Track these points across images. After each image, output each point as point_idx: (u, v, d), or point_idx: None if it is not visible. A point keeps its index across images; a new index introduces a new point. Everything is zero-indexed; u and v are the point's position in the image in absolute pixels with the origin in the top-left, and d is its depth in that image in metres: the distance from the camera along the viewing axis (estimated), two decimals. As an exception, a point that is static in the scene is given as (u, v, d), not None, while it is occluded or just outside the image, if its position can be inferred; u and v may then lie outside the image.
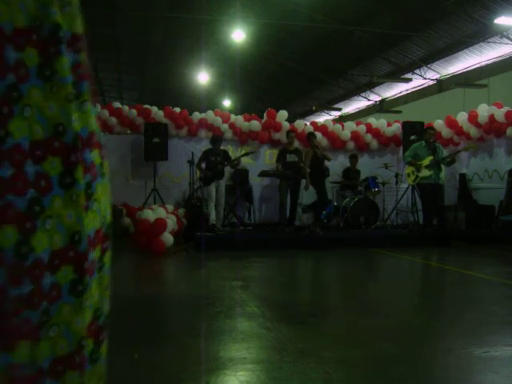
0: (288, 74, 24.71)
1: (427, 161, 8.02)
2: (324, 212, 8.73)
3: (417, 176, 8.18)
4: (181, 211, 8.60)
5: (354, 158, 9.69)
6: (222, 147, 8.39)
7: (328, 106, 28.42)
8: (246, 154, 8.51)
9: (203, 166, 8.08)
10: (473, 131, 9.49)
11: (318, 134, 9.50)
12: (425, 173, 8.03)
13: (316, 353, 2.72)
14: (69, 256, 1.38)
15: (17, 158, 1.30)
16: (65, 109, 1.37)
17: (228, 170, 8.67)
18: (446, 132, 9.98)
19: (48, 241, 1.35)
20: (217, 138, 8.40)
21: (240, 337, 3.04)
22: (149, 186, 9.35)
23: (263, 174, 8.99)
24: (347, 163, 9.82)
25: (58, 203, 1.37)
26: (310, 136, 8.68)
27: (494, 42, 17.08)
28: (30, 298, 1.32)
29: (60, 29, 1.36)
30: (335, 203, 9.53)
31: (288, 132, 9.00)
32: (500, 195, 8.71)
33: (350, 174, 9.63)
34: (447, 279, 5.56)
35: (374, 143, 10.26)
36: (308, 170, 8.25)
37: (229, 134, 9.56)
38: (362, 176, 9.56)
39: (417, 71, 20.99)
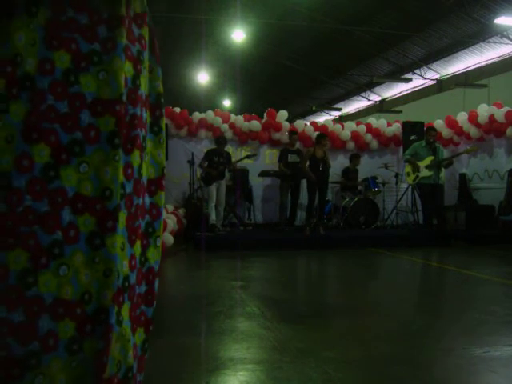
0: (288, 74, 24.72)
1: (428, 161, 8.01)
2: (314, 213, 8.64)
3: (417, 176, 8.18)
4: (181, 211, 8.60)
5: (355, 158, 9.67)
6: (224, 148, 8.38)
7: (328, 105, 28.44)
8: (247, 157, 8.49)
9: (205, 165, 8.07)
10: (473, 131, 9.49)
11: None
12: (425, 173, 8.03)
13: (316, 353, 2.72)
14: (162, 184, 1.80)
15: (142, 191, 1.70)
16: (163, 154, 1.85)
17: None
18: (446, 132, 9.98)
19: (146, 171, 1.72)
20: (222, 139, 8.33)
21: (240, 337, 3.04)
22: (149, 186, 9.33)
23: (263, 174, 8.99)
24: (347, 163, 9.82)
25: (150, 144, 1.76)
26: (318, 137, 8.27)
27: (494, 42, 17.09)
28: (142, 209, 1.66)
29: (161, 96, 1.81)
30: (333, 202, 9.54)
31: (291, 133, 8.97)
32: (500, 195, 8.71)
33: (349, 173, 9.62)
34: (447, 279, 5.56)
35: (374, 143, 10.25)
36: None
37: (229, 134, 9.55)
38: (362, 176, 9.56)
39: (417, 71, 21.00)
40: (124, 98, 1.52)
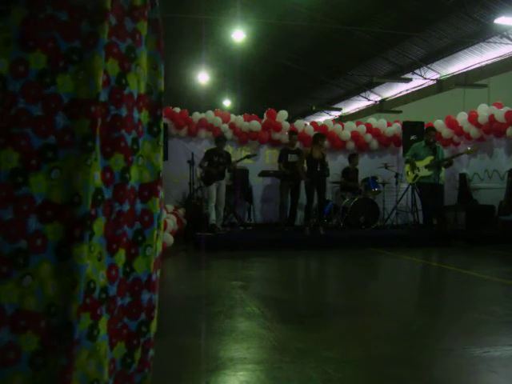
0: (288, 74, 24.72)
1: (427, 161, 8.01)
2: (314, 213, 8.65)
3: (416, 175, 8.19)
4: (181, 211, 8.59)
5: (353, 158, 9.68)
6: (224, 148, 8.38)
7: (328, 105, 28.45)
8: (247, 157, 8.48)
9: (205, 165, 8.07)
10: (473, 131, 9.49)
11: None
12: (424, 172, 8.03)
13: (316, 353, 2.72)
14: (157, 189, 1.68)
15: (131, 197, 1.61)
16: (160, 157, 1.72)
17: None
18: (446, 132, 9.98)
19: (138, 175, 1.64)
20: (222, 138, 8.34)
21: (240, 337, 3.04)
22: (149, 186, 9.33)
23: (263, 174, 8.99)
24: (347, 163, 9.82)
25: (147, 146, 1.67)
26: (315, 136, 8.27)
27: (494, 42, 17.09)
28: (129, 216, 1.59)
29: (162, 96, 1.72)
30: (333, 202, 9.54)
31: (291, 133, 8.97)
32: (500, 195, 8.71)
33: (349, 173, 9.63)
34: (447, 279, 5.56)
35: (374, 143, 10.25)
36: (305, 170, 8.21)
37: (229, 134, 9.55)
38: (362, 176, 9.56)
39: (417, 71, 21.00)
40: (102, 99, 1.45)
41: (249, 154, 8.85)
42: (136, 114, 1.61)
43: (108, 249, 1.52)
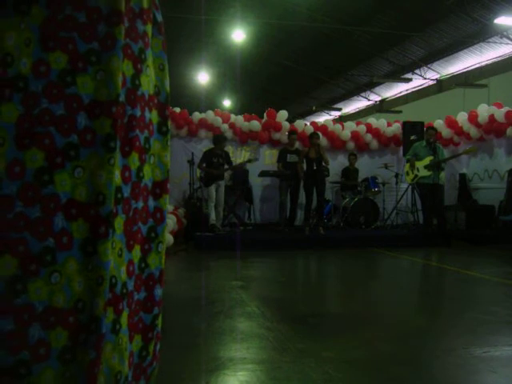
0: (288, 74, 24.73)
1: (427, 160, 8.01)
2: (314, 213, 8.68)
3: (416, 175, 8.19)
4: (181, 211, 8.59)
5: (351, 157, 9.71)
6: (223, 148, 8.35)
7: (328, 105, 28.45)
8: (248, 161, 8.47)
9: (204, 166, 8.05)
10: (473, 131, 9.49)
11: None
12: (424, 172, 8.03)
13: (316, 353, 2.72)
14: (167, 187, 1.72)
15: (144, 194, 1.66)
16: (169, 156, 1.77)
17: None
18: (446, 132, 9.98)
19: (151, 173, 1.68)
20: (220, 137, 8.23)
21: (240, 337, 3.04)
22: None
23: (263, 174, 8.98)
24: (347, 163, 9.83)
25: (157, 146, 1.71)
26: (309, 136, 8.46)
27: (494, 42, 17.09)
28: (142, 213, 1.63)
29: (169, 96, 1.75)
30: (333, 202, 9.54)
31: (290, 133, 8.97)
32: (500, 195, 8.70)
33: (349, 173, 9.63)
34: (447, 279, 5.56)
35: (374, 143, 10.25)
36: (304, 170, 8.24)
37: (229, 134, 9.55)
38: (362, 176, 9.56)
39: (417, 71, 21.00)
40: (121, 99, 1.48)
41: (250, 158, 8.81)
42: (147, 114, 1.65)
43: (127, 245, 1.57)
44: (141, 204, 1.64)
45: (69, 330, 1.37)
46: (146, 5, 1.62)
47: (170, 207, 8.23)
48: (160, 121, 1.72)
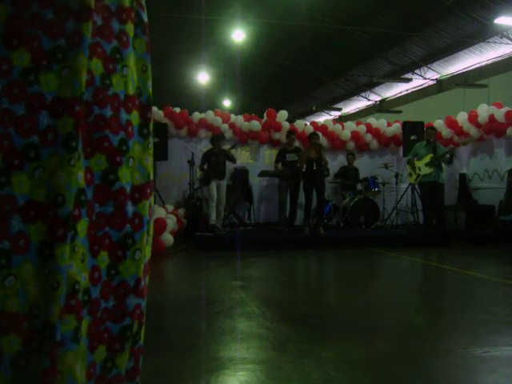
0: (288, 74, 24.73)
1: (427, 158, 8.02)
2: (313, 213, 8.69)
3: (418, 175, 8.19)
4: (181, 211, 8.60)
5: (349, 157, 9.74)
6: (222, 146, 8.34)
7: (328, 105, 28.45)
8: (232, 147, 8.38)
9: (205, 167, 8.06)
10: (473, 131, 9.49)
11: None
12: (425, 170, 8.04)
13: (316, 353, 2.72)
14: (147, 192, 1.63)
15: (121, 198, 1.56)
16: (151, 160, 1.69)
17: (228, 170, 8.65)
18: (446, 132, 9.98)
19: (129, 176, 1.60)
20: (216, 136, 8.32)
21: (240, 337, 3.04)
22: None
23: (263, 174, 8.99)
24: (346, 163, 9.84)
25: (137, 148, 1.64)
26: (309, 136, 8.50)
27: (494, 42, 17.10)
28: (114, 218, 1.55)
29: (151, 98, 1.70)
30: (333, 202, 9.54)
31: (289, 133, 8.98)
32: (500, 195, 8.71)
33: (349, 172, 9.63)
34: (447, 279, 5.56)
35: (374, 143, 10.25)
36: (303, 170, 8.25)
37: (229, 134, 9.56)
38: (362, 176, 9.56)
39: (417, 71, 21.01)
40: (85, 98, 1.43)
41: (229, 146, 8.58)
42: (124, 115, 1.58)
43: (90, 250, 1.50)
44: (110, 208, 1.55)
45: (23, 336, 1.31)
46: (126, 3, 1.57)
47: (170, 207, 8.24)
48: (141, 123, 1.66)
